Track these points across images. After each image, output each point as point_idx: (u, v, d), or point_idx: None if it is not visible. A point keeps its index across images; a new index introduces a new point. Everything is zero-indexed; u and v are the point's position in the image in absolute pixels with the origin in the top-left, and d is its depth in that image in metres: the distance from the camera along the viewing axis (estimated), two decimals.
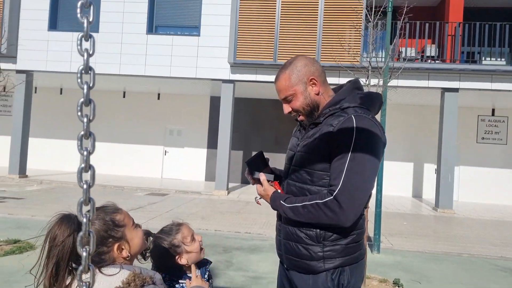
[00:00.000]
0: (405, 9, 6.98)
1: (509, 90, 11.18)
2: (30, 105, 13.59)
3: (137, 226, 1.40)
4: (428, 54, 11.88)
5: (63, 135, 16.60)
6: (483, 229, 9.25)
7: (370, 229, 6.84)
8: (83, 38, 0.63)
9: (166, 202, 10.52)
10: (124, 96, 16.36)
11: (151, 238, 1.73)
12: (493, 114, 14.30)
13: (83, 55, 0.63)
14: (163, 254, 1.77)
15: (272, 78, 12.04)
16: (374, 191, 7.49)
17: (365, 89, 6.10)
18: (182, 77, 12.55)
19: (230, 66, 12.21)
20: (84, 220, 0.67)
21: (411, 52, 11.69)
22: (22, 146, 13.41)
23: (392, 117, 14.05)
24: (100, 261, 1.27)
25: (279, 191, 1.81)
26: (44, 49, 13.02)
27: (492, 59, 11.76)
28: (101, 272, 1.22)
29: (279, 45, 11.65)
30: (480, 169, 14.46)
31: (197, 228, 7.33)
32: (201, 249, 1.84)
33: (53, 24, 13.24)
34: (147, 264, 1.61)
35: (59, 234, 1.21)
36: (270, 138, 15.63)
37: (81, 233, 0.67)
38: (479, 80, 11.24)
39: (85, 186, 0.66)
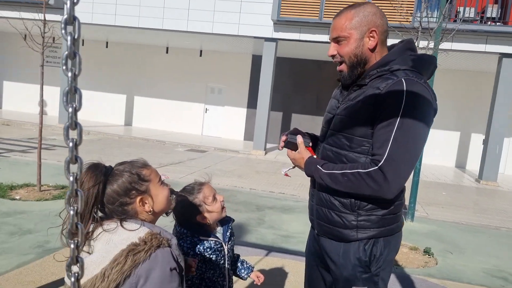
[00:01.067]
0: None
1: None
2: (79, 59, 14.12)
3: (164, 184, 1.39)
4: (488, 15, 10.96)
5: (110, 88, 17.32)
6: None
7: (406, 197, 6.82)
8: (65, 21, 0.59)
9: (205, 159, 10.94)
10: (167, 52, 16.61)
11: (174, 196, 1.70)
12: None
13: (66, 39, 0.59)
14: (185, 211, 1.81)
15: (317, 37, 11.82)
16: None
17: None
18: (224, 34, 12.51)
19: (273, 23, 11.98)
20: (71, 179, 0.64)
21: (470, 12, 10.84)
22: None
23: (441, 82, 13.35)
24: (123, 211, 1.30)
25: (315, 156, 1.71)
26: (90, 1, 13.33)
27: None
28: (122, 225, 1.25)
29: (326, 2, 11.21)
30: None
31: (233, 185, 7.66)
32: (223, 208, 1.86)
33: None
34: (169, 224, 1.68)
35: (85, 181, 1.25)
36: (312, 100, 15.48)
37: (68, 192, 0.65)
38: None
39: (71, 144, 0.63)
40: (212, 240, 1.86)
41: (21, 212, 4.95)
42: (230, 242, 1.96)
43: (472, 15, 10.85)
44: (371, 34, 1.57)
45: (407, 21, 9.09)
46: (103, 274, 1.16)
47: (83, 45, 16.50)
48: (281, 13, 11.53)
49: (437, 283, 4.06)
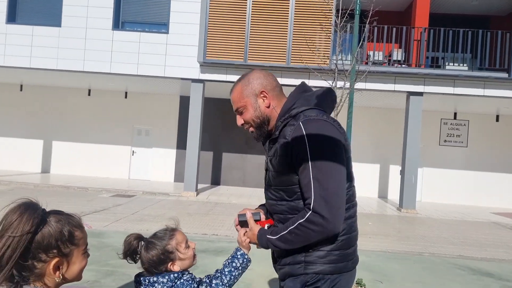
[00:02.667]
0: (371, 13, 7.16)
1: (471, 95, 11.70)
2: None
3: (87, 255, 1.25)
4: (395, 58, 12.24)
5: (24, 133, 15.92)
6: (444, 229, 9.63)
7: None
8: None
9: (132, 204, 10.29)
10: (89, 94, 15.87)
11: (142, 243, 1.70)
12: (455, 118, 14.92)
13: None
14: (155, 259, 1.71)
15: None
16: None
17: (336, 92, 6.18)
18: (150, 76, 12.32)
19: (200, 65, 12.11)
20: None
21: (378, 55, 12.02)
22: None
23: (359, 119, 14.40)
24: (29, 269, 1.11)
25: (266, 226, 1.76)
26: (2, 43, 12.43)
27: (455, 64, 12.26)
28: None
29: (250, 45, 11.66)
30: (442, 171, 15.06)
31: None
32: (194, 255, 1.81)
33: (12, 17, 12.66)
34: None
35: (17, 225, 1.06)
36: (240, 139, 15.62)
37: None
38: (443, 85, 11.70)
39: None
40: (189, 274, 1.77)
41: None
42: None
43: (381, 58, 12.02)
44: (262, 95, 1.76)
45: (325, 63, 9.75)
46: None
47: None
48: (207, 55, 11.72)
49: None
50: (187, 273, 1.74)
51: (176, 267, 1.75)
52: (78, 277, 1.23)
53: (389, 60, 12.33)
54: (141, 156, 15.87)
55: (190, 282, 1.71)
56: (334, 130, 1.63)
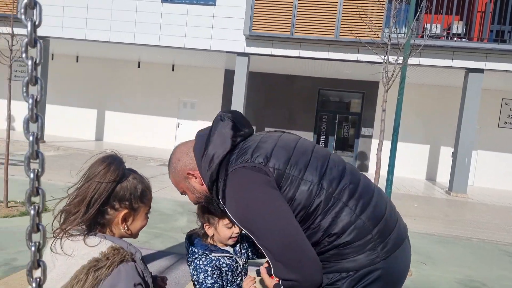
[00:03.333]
0: None
1: None
2: (46, 72, 13.73)
3: (147, 216, 1.37)
4: (454, 31, 11.38)
5: (80, 103, 16.85)
6: (496, 215, 9.10)
7: None
8: (27, 6, 0.52)
9: None
10: (139, 66, 16.37)
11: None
12: None
13: (27, 25, 0.52)
14: (208, 210, 1.75)
15: (288, 52, 11.89)
16: (384, 172, 7.39)
17: (382, 67, 5.80)
18: (196, 49, 12.43)
19: (246, 38, 12.01)
20: (32, 212, 0.64)
21: (436, 28, 11.22)
22: (40, 112, 13.65)
23: (410, 96, 13.70)
24: (102, 215, 1.22)
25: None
26: (60, 15, 13.02)
27: None
28: (85, 242, 1.17)
29: (297, 18, 11.35)
30: (499, 155, 14.10)
31: None
32: (231, 238, 1.79)
33: None
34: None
35: (104, 173, 1.19)
36: (283, 115, 15.53)
37: (29, 227, 0.64)
38: (507, 61, 10.77)
39: (32, 175, 0.60)
40: (226, 256, 1.78)
41: None
42: (243, 257, 1.86)
43: (438, 31, 11.23)
44: (189, 177, 1.60)
45: (377, 37, 9.27)
46: None
47: (52, 59, 16.00)
48: (253, 28, 11.58)
49: None
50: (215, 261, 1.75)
51: (210, 231, 1.77)
52: (136, 234, 1.34)
53: (448, 33, 11.49)
54: (186, 128, 16.29)
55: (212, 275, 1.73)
56: (255, 178, 1.44)
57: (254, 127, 15.66)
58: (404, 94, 7.35)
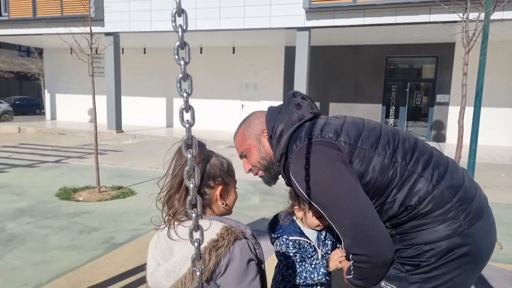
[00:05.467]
0: None
1: None
2: (119, 65, 14.70)
3: (236, 190, 1.43)
4: None
5: (149, 92, 17.83)
6: None
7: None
8: (176, 14, 0.64)
9: None
10: (201, 52, 16.80)
11: None
12: None
13: (177, 31, 0.64)
14: (296, 194, 1.74)
15: (352, 21, 11.37)
16: (467, 141, 6.84)
17: (462, 26, 5.27)
18: (256, 28, 12.41)
19: (305, 11, 11.70)
20: (189, 156, 0.76)
21: None
22: (116, 104, 14.75)
23: (494, 55, 12.39)
24: (203, 195, 1.30)
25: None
26: (126, 10, 13.73)
27: None
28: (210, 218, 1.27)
29: None
30: None
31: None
32: (318, 226, 1.79)
33: None
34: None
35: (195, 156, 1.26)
36: (349, 88, 15.04)
37: (187, 168, 0.74)
38: None
39: (187, 125, 0.74)
40: (302, 240, 1.79)
41: (86, 212, 5.33)
42: (325, 247, 1.83)
43: None
44: (264, 134, 1.64)
45: None
46: (191, 274, 1.19)
47: (123, 53, 17.04)
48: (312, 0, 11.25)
49: (503, 268, 3.86)
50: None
51: (299, 214, 1.79)
52: (231, 209, 1.41)
53: None
54: (249, 109, 16.48)
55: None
56: (326, 154, 1.45)
57: (318, 103, 15.44)
58: (488, 53, 6.66)
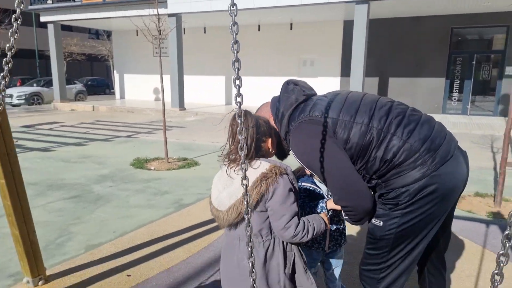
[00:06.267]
0: None
1: None
2: (181, 45, 15.31)
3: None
4: None
5: (209, 71, 18.39)
6: None
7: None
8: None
9: None
10: (259, 30, 16.91)
11: None
12: None
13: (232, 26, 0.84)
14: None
15: None
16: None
17: None
18: (314, 4, 12.27)
19: None
20: (239, 121, 1.16)
21: None
22: (179, 83, 15.48)
23: None
24: (259, 149, 1.67)
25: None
26: None
27: None
28: (251, 165, 1.62)
29: None
30: None
31: None
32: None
33: None
34: None
35: (247, 121, 1.63)
36: (410, 61, 14.41)
37: (239, 129, 1.12)
38: None
39: (239, 99, 1.01)
40: (312, 187, 2.13)
41: (157, 178, 5.94)
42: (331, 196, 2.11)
43: None
44: (271, 119, 1.93)
45: None
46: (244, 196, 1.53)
47: (184, 33, 17.71)
48: None
49: None
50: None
51: (308, 172, 2.09)
52: (275, 152, 1.83)
53: None
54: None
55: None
56: (313, 129, 1.75)
57: (377, 78, 15.04)
58: None
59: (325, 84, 15.99)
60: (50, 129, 11.23)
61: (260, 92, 17.26)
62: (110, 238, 3.72)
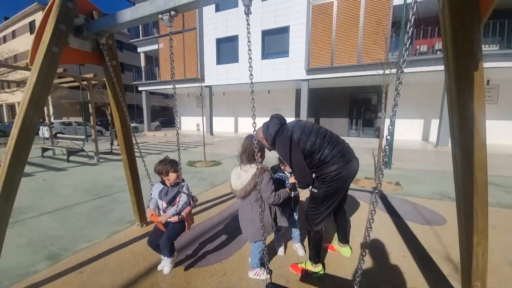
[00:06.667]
0: (410, 23, 5.87)
1: (498, 67, 8.55)
2: (212, 102, 15.03)
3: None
4: (436, 48, 9.70)
5: (226, 114, 17.52)
6: None
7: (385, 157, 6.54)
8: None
9: None
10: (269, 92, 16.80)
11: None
12: (487, 84, 11.07)
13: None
14: (280, 161, 2.08)
15: (330, 75, 11.35)
16: (385, 133, 6.91)
17: (382, 78, 5.59)
18: (281, 80, 12.50)
19: (306, 70, 11.82)
20: (255, 142, 1.33)
21: (423, 48, 9.71)
22: (210, 121, 14.85)
23: (406, 90, 12.04)
24: (253, 157, 1.68)
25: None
26: (214, 74, 14.31)
27: (486, 46, 9.00)
28: (250, 165, 1.70)
29: (335, 54, 10.87)
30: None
31: None
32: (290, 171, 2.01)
33: (218, 60, 14.36)
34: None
35: (249, 143, 1.73)
36: (330, 109, 14.47)
37: (252, 146, 1.25)
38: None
39: (254, 132, 1.26)
40: (282, 175, 2.15)
41: (200, 171, 5.75)
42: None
43: (425, 49, 9.72)
44: (262, 137, 1.90)
45: (381, 59, 8.50)
46: (249, 182, 1.73)
47: (213, 95, 16.77)
48: (310, 65, 11.40)
49: (400, 197, 4.01)
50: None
51: (283, 167, 2.10)
52: (263, 160, 1.83)
53: (432, 50, 9.82)
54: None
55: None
56: (284, 142, 1.71)
57: (313, 118, 15.22)
58: (403, 88, 6.75)
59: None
60: (142, 145, 11.24)
61: (247, 125, 17.03)
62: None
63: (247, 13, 1.27)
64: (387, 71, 5.80)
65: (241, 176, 1.72)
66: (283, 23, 12.19)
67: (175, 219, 1.81)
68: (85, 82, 7.35)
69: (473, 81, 1.08)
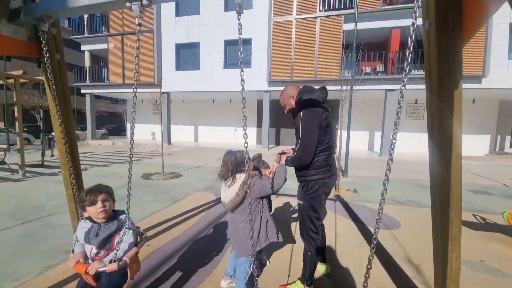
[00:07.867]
0: (361, 47, 6.68)
1: (424, 89, 10.38)
2: (170, 110, 14.30)
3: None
4: (378, 70, 11.31)
5: (184, 122, 16.89)
6: (408, 166, 9.11)
7: (342, 165, 7.01)
8: None
9: None
10: (213, 102, 16.44)
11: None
12: (416, 102, 13.36)
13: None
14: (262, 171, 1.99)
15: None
16: (344, 145, 7.54)
17: (340, 90, 6.06)
18: (244, 90, 12.59)
19: (267, 82, 12.15)
20: (246, 158, 1.21)
21: (367, 69, 11.19)
22: (168, 129, 14.16)
23: (356, 107, 13.58)
24: (242, 169, 1.66)
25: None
26: (174, 79, 13.59)
27: (416, 71, 10.97)
28: (240, 175, 1.64)
29: (294, 69, 11.50)
30: (408, 134, 13.71)
31: None
32: (270, 172, 1.89)
33: (177, 66, 13.77)
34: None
35: (229, 158, 1.66)
36: (289, 121, 15.15)
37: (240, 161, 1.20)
38: (408, 84, 10.60)
39: (246, 144, 1.15)
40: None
41: (158, 185, 5.28)
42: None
43: (369, 70, 11.18)
44: (291, 98, 1.90)
45: (336, 76, 9.43)
46: (237, 193, 1.66)
47: (171, 102, 16.41)
48: (271, 77, 11.81)
49: (360, 203, 4.20)
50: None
51: (266, 171, 2.02)
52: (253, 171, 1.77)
53: (375, 71, 11.41)
54: (240, 132, 15.90)
55: None
56: (312, 115, 1.70)
57: (274, 129, 15.65)
58: (353, 105, 7.46)
59: (248, 131, 16.21)
60: (85, 156, 9.77)
61: (208, 135, 16.73)
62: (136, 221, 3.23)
63: (239, 11, 1.18)
64: (344, 87, 6.28)
65: (228, 190, 1.68)
66: (245, 35, 12.44)
67: (113, 267, 1.22)
68: (11, 80, 5.97)
69: (453, 99, 1.15)
